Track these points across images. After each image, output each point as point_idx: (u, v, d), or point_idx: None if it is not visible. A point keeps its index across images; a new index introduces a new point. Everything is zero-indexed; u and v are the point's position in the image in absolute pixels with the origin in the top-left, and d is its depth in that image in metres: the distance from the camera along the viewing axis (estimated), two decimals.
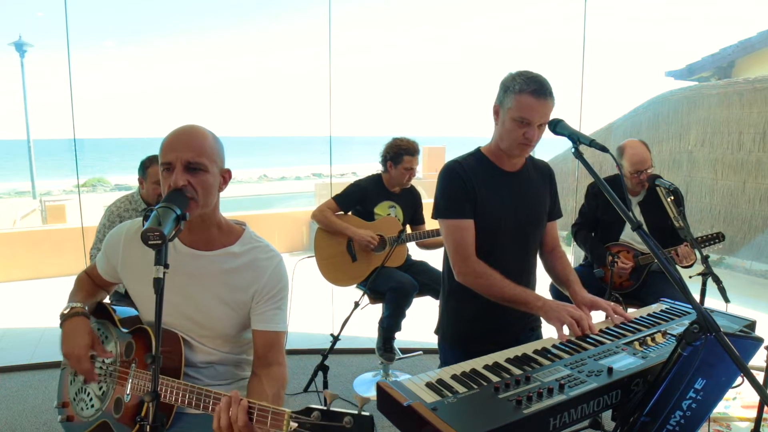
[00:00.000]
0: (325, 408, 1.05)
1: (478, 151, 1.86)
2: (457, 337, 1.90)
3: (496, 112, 1.76)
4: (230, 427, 1.15)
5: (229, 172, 1.45)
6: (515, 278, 1.74)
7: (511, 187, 1.82)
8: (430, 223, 2.73)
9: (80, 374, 1.50)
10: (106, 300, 1.70)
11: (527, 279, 1.88)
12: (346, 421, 1.02)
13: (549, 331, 1.78)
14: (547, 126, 1.66)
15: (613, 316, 1.62)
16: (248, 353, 1.56)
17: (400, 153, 3.08)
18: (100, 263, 1.59)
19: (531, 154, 1.95)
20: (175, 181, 1.31)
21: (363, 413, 1.04)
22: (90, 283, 1.65)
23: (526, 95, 1.64)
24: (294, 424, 1.06)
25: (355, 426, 1.02)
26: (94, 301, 1.63)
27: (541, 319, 1.91)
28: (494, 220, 1.78)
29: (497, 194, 1.79)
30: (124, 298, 2.05)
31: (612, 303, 1.67)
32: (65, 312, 1.50)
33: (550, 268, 1.98)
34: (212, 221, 1.44)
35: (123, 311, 1.63)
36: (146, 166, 2.82)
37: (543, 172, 1.93)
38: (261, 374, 1.43)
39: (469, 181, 1.76)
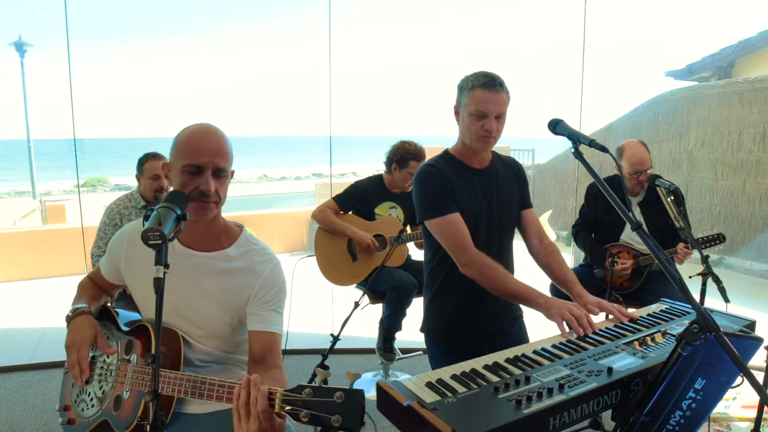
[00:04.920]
0: (316, 385, 1.07)
1: (446, 152, 1.91)
2: (442, 333, 1.93)
3: (457, 113, 1.84)
4: (248, 405, 1.12)
5: (233, 172, 1.47)
6: None
7: (483, 183, 1.87)
8: None
9: (71, 365, 1.41)
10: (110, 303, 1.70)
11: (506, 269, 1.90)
12: (337, 396, 1.03)
13: (533, 321, 1.80)
14: (547, 126, 1.67)
15: (620, 317, 1.63)
16: (247, 354, 1.55)
17: (407, 157, 3.08)
18: (103, 265, 1.60)
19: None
20: (208, 187, 1.33)
21: (354, 388, 1.05)
22: (93, 287, 1.65)
23: (479, 89, 1.73)
24: (287, 406, 1.07)
25: (346, 400, 1.03)
26: (99, 305, 1.63)
27: (522, 308, 1.92)
28: (472, 217, 1.81)
29: (471, 191, 1.84)
30: (126, 298, 2.05)
31: (616, 305, 1.68)
32: (69, 314, 1.51)
33: (544, 265, 1.92)
34: (216, 222, 1.45)
35: (125, 315, 1.63)
36: (143, 162, 2.83)
37: (510, 167, 1.97)
38: (260, 374, 1.43)
39: (447, 179, 1.80)
